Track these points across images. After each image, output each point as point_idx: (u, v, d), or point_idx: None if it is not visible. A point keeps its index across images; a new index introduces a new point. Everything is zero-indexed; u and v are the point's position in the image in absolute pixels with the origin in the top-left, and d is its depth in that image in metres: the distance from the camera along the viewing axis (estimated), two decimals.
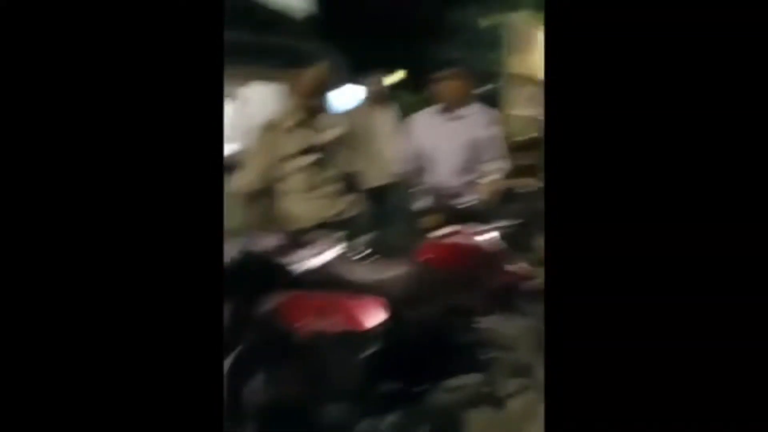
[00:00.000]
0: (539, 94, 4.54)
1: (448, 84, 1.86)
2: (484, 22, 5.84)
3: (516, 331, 1.55)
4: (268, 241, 1.26)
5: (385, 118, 2.79)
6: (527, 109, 4.31)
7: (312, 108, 1.48)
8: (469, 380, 1.43)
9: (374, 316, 1.05)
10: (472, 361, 1.42)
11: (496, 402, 1.53)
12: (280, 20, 4.72)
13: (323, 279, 1.14)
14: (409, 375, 1.32)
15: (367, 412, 1.35)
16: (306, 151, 1.46)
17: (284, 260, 1.15)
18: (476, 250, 1.42)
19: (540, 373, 1.57)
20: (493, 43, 6.11)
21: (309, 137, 1.48)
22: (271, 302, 0.98)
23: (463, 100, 1.89)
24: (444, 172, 1.82)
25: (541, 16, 4.96)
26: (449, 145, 1.85)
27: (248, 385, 1.12)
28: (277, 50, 4.44)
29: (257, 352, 1.06)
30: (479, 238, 1.45)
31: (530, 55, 4.39)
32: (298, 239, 1.29)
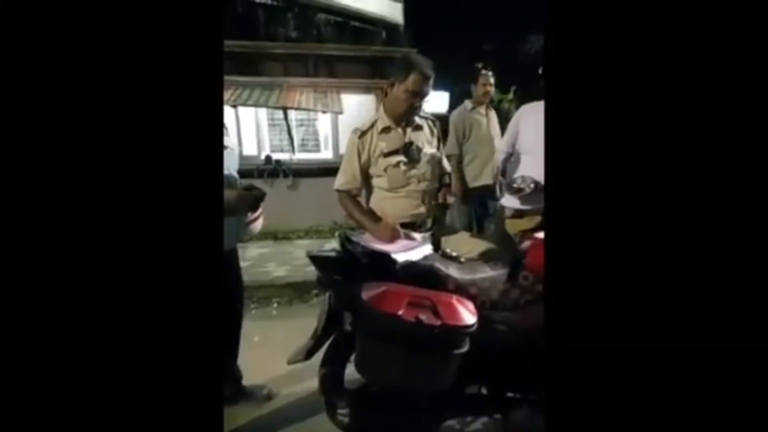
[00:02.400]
0: None
1: None
2: None
3: None
4: (364, 235, 1.35)
5: (486, 119, 2.70)
6: None
7: (404, 112, 1.52)
8: None
9: (471, 315, 1.04)
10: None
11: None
12: (370, 32, 4.94)
13: (420, 273, 1.17)
14: (497, 381, 1.27)
15: (452, 413, 1.35)
16: (396, 152, 1.51)
17: (382, 251, 1.21)
18: None
19: None
20: None
21: (400, 139, 1.53)
22: (370, 291, 1.04)
23: None
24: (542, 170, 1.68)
25: None
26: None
27: (347, 369, 1.22)
28: (368, 61, 4.68)
29: (358, 336, 1.14)
30: None
31: None
32: (393, 234, 1.35)
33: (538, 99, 1.93)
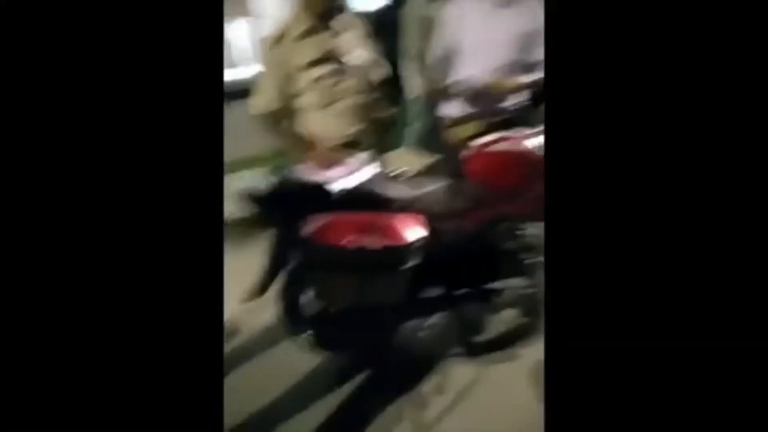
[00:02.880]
0: None
1: None
2: None
3: None
4: (301, 165, 1.25)
5: (413, 13, 2.43)
6: None
7: (324, 10, 1.30)
8: (511, 284, 1.47)
9: (414, 231, 1.05)
10: (515, 266, 1.44)
11: (535, 302, 1.59)
12: None
13: (361, 199, 1.13)
14: (450, 282, 1.37)
15: (409, 316, 1.47)
16: (321, 61, 1.30)
17: (320, 183, 1.14)
18: (523, 158, 1.32)
19: None
20: None
21: (323, 44, 1.31)
22: (313, 224, 1.00)
23: None
24: (486, 70, 1.55)
25: None
26: (495, 38, 1.55)
27: (302, 297, 1.23)
28: None
29: (306, 269, 1.13)
30: (526, 145, 1.34)
31: None
32: (330, 160, 1.26)
33: None
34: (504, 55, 1.57)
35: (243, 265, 1.41)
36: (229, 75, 4.12)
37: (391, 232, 1.01)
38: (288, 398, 1.32)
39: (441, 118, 1.81)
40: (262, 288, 1.25)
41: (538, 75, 1.58)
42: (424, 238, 1.05)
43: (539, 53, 1.58)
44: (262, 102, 1.35)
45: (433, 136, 1.93)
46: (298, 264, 1.17)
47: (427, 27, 2.26)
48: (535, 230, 1.46)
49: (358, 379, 1.37)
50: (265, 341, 1.56)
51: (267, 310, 1.39)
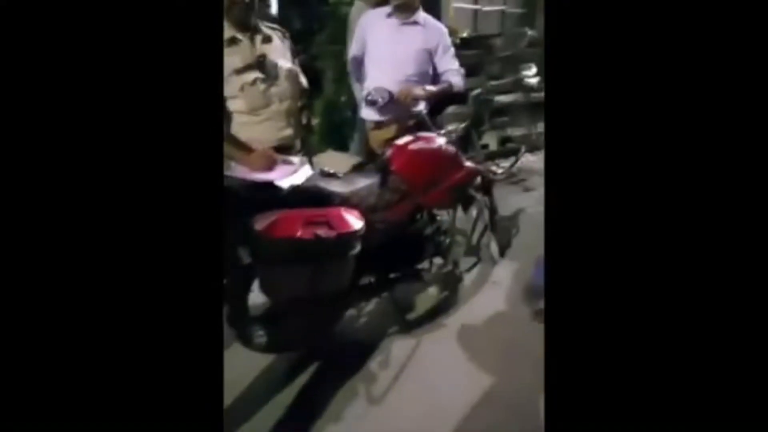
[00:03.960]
0: None
1: None
2: None
3: (469, 218, 1.82)
4: (240, 168, 1.30)
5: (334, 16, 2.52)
6: (463, 2, 4.14)
7: (245, 20, 1.36)
8: (433, 263, 1.71)
9: (356, 221, 1.19)
10: (435, 248, 1.68)
11: (456, 278, 1.87)
12: None
13: (303, 196, 1.23)
14: (383, 267, 1.54)
15: (351, 303, 1.60)
16: (246, 68, 1.36)
17: (262, 181, 1.21)
18: (438, 154, 1.57)
19: (490, 249, 1.91)
20: None
21: (248, 52, 1.38)
22: (263, 221, 1.07)
23: (415, 3, 1.78)
24: (394, 80, 1.78)
25: None
26: (403, 51, 1.79)
27: (249, 295, 1.27)
28: None
29: (254, 266, 1.18)
30: (440, 141, 1.59)
31: None
32: (266, 162, 1.32)
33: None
34: (410, 68, 1.81)
35: None
36: None
37: (338, 222, 1.13)
38: (243, 401, 1.34)
39: (362, 121, 1.99)
40: None
41: (440, 86, 1.86)
42: (363, 228, 1.19)
43: (440, 66, 1.85)
44: None
45: (357, 137, 2.11)
46: (246, 262, 1.21)
47: (342, 31, 2.42)
48: (447, 216, 1.73)
49: (311, 369, 1.45)
50: None
51: None
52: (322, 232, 1.08)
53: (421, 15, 1.82)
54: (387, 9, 1.81)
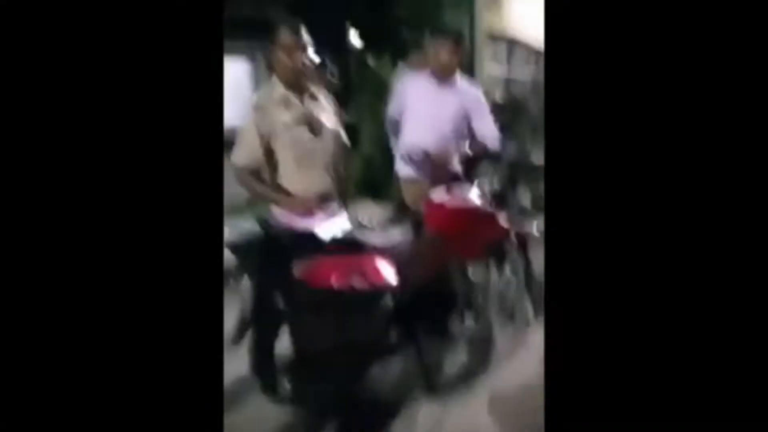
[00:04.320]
0: (506, 51, 4.61)
1: (441, 50, 1.83)
2: None
3: (505, 275, 1.78)
4: (282, 214, 1.36)
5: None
6: (497, 67, 4.39)
7: (297, 81, 1.50)
8: (465, 323, 1.65)
9: (391, 273, 1.19)
10: (467, 305, 1.63)
11: (488, 339, 1.78)
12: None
13: (340, 244, 1.26)
14: (414, 322, 1.50)
15: (377, 359, 1.55)
16: (293, 125, 1.49)
17: (300, 229, 1.25)
18: (473, 211, 1.59)
19: (525, 309, 1.83)
20: (458, 2, 6.01)
21: (298, 109, 1.51)
22: (301, 269, 1.10)
23: (454, 69, 1.89)
24: (432, 138, 1.86)
25: None
26: (441, 112, 1.88)
27: (277, 343, 1.27)
28: (239, 23, 4.19)
29: (286, 313, 1.19)
30: (474, 199, 1.61)
31: (498, 12, 4.40)
32: (305, 209, 1.39)
33: (408, 62, 2.08)
34: (446, 128, 1.90)
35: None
36: None
37: (373, 272, 1.14)
38: None
39: (397, 176, 2.06)
40: (237, 338, 1.26)
41: (475, 146, 1.93)
42: (397, 282, 1.20)
43: (476, 127, 1.94)
44: (243, 155, 1.47)
45: (392, 192, 2.18)
46: (277, 309, 1.22)
47: (382, 91, 2.60)
48: (480, 271, 1.69)
49: (331, 427, 1.38)
50: (235, 393, 1.52)
51: (240, 361, 1.38)
52: (357, 282, 1.09)
53: (458, 79, 1.94)
54: (426, 73, 1.95)
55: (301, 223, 1.29)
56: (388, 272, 1.19)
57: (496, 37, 4.34)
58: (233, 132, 1.51)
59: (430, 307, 1.51)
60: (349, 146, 1.73)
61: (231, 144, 1.50)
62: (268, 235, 1.22)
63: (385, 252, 1.34)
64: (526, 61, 4.75)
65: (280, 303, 1.18)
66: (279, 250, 1.18)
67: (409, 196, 1.99)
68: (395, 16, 6.61)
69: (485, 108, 1.94)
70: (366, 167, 3.22)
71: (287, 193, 1.48)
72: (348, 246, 1.26)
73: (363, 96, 3.68)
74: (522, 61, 4.69)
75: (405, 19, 6.47)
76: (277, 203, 1.43)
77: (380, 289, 1.14)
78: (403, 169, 2.00)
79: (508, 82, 4.63)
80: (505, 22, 4.34)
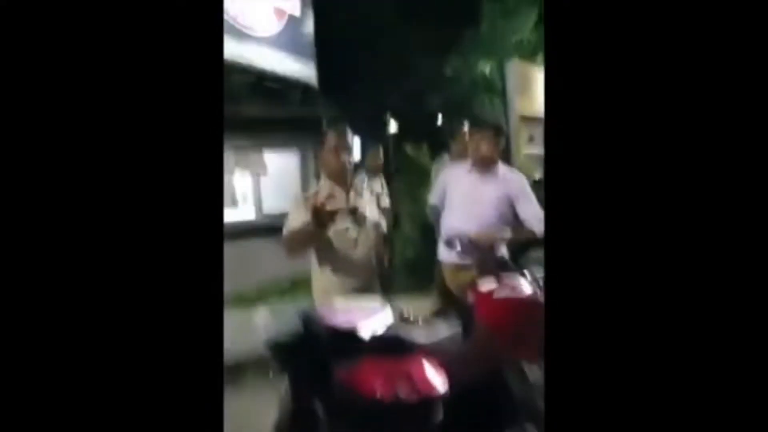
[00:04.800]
0: (540, 130, 4.72)
1: (482, 143, 1.88)
2: (481, 68, 6.20)
3: None
4: (324, 308, 1.33)
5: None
6: (533, 148, 4.47)
7: (338, 173, 1.58)
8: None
9: (441, 380, 1.08)
10: (527, 412, 1.41)
11: None
12: (285, 93, 5.08)
13: (384, 344, 1.18)
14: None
15: None
16: (342, 214, 1.54)
17: (343, 328, 1.20)
18: (526, 302, 1.46)
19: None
20: (492, 87, 6.45)
21: (340, 204, 1.57)
22: (343, 372, 1.02)
23: (495, 159, 1.92)
24: (476, 224, 1.84)
25: (538, 57, 5.27)
26: (484, 200, 1.88)
27: None
28: (284, 120, 4.77)
29: (326, 421, 1.09)
30: (525, 288, 1.49)
31: (529, 95, 4.63)
32: (348, 307, 1.35)
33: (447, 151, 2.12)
34: (490, 214, 1.88)
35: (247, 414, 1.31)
36: (230, 215, 4.49)
37: (421, 379, 1.03)
38: None
39: (440, 264, 2.00)
40: None
41: (520, 231, 1.86)
42: (448, 391, 1.07)
43: (521, 212, 1.89)
44: (295, 219, 1.52)
45: (436, 280, 2.11)
46: (317, 417, 1.12)
47: (422, 177, 2.69)
48: (537, 374, 1.49)
49: None
50: None
51: None
52: (403, 392, 0.99)
53: (500, 168, 1.96)
54: (467, 165, 1.99)
55: (342, 319, 1.25)
56: (436, 379, 1.08)
57: (528, 119, 4.50)
58: (281, 217, 1.59)
59: (486, 414, 1.33)
60: (389, 237, 1.76)
61: (279, 229, 1.58)
62: (308, 332, 1.17)
63: (432, 352, 1.23)
64: None
65: (320, 410, 1.08)
66: (319, 350, 1.13)
67: (453, 283, 1.91)
68: (430, 105, 7.19)
69: (529, 193, 1.92)
70: (407, 250, 3.20)
71: (324, 290, 1.49)
72: (391, 345, 1.18)
73: (402, 183, 3.83)
74: None
75: (440, 107, 7.01)
76: (312, 238, 1.45)
77: (429, 398, 1.02)
78: (445, 255, 1.96)
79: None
80: (536, 104, 4.52)
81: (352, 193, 1.65)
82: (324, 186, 1.62)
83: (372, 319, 1.26)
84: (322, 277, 1.61)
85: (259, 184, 4.65)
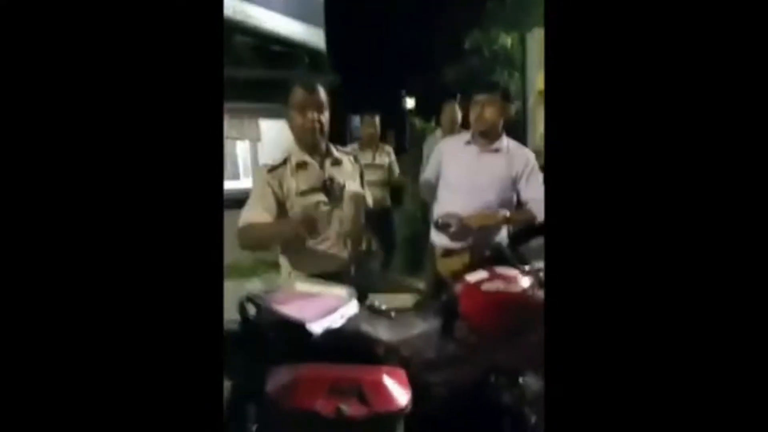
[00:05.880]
0: None
1: (486, 108, 1.60)
2: (502, 41, 5.77)
3: None
4: (278, 298, 1.12)
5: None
6: None
7: (309, 139, 1.35)
8: None
9: (403, 393, 0.87)
10: (516, 425, 1.21)
11: None
12: (288, 56, 4.81)
13: (341, 341, 0.98)
14: None
15: None
16: (312, 191, 1.34)
17: (298, 323, 0.98)
18: (521, 298, 1.23)
19: None
20: (511, 61, 6.04)
21: (312, 177, 1.36)
22: (278, 381, 0.82)
23: (498, 129, 1.65)
24: (472, 206, 1.60)
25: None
26: (483, 179, 1.63)
27: None
28: (286, 85, 4.51)
29: (261, 428, 0.91)
30: (521, 281, 1.26)
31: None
32: (310, 294, 1.14)
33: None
34: (490, 196, 1.62)
35: None
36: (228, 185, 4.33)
37: (374, 392, 0.83)
38: None
39: (432, 246, 1.78)
40: None
41: (519, 214, 1.61)
42: (410, 403, 0.87)
43: (524, 193, 1.63)
44: (253, 216, 1.31)
45: (426, 265, 1.88)
46: (249, 420, 0.94)
47: (417, 157, 2.49)
48: (533, 382, 1.28)
49: None
50: None
51: None
52: (348, 406, 0.79)
53: (505, 141, 1.68)
54: (466, 136, 1.72)
55: (293, 308, 1.03)
56: (396, 390, 0.87)
57: None
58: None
59: (467, 428, 1.13)
60: (375, 213, 1.53)
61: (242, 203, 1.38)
62: (246, 321, 0.97)
63: (399, 351, 1.03)
64: None
65: (251, 416, 0.90)
66: (260, 346, 0.93)
67: (444, 270, 1.68)
68: (445, 80, 6.83)
69: (536, 172, 1.64)
70: (405, 229, 2.99)
71: (289, 274, 1.30)
72: (346, 343, 0.97)
73: (410, 157, 3.60)
74: None
75: (455, 83, 6.64)
76: (276, 237, 1.30)
77: (384, 414, 0.82)
78: (437, 238, 1.72)
79: None
80: None
81: (327, 161, 1.41)
82: (294, 153, 1.39)
83: (331, 310, 1.05)
84: (287, 256, 1.41)
85: (257, 154, 4.45)
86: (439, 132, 2.99)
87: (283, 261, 1.42)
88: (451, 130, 2.86)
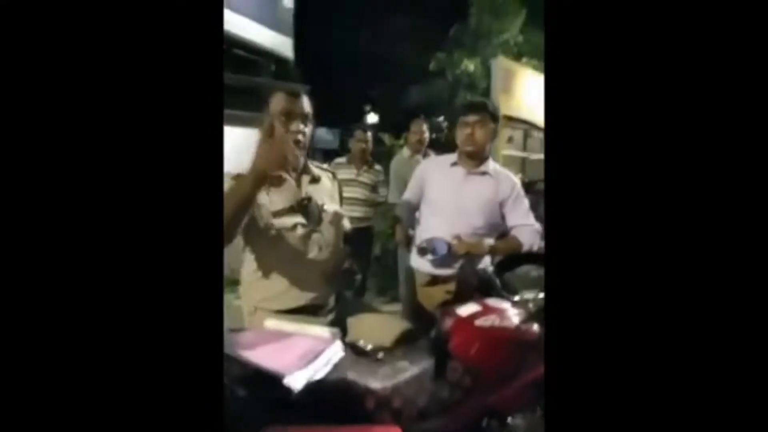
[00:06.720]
0: (522, 135, 4.54)
1: (476, 127, 1.54)
2: (465, 66, 5.96)
3: None
4: (243, 340, 0.94)
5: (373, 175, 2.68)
6: (512, 149, 4.27)
7: (286, 153, 1.20)
8: None
9: None
10: None
11: None
12: (254, 64, 4.60)
13: (326, 395, 0.83)
14: None
15: None
16: (288, 211, 1.17)
17: (275, 375, 0.80)
18: (516, 335, 1.16)
19: None
20: (474, 85, 6.25)
21: (289, 195, 1.19)
22: None
23: (486, 151, 1.61)
24: (458, 230, 1.52)
25: (523, 59, 5.08)
26: (469, 202, 1.57)
27: None
28: (249, 94, 4.31)
29: None
30: (515, 318, 1.19)
31: (513, 96, 4.40)
32: (283, 334, 0.98)
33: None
34: (476, 220, 1.56)
35: None
36: None
37: None
38: None
39: (412, 272, 1.67)
40: None
41: (506, 241, 1.57)
42: None
43: (510, 219, 1.59)
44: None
45: (405, 292, 1.76)
46: None
47: (403, 179, 2.40)
48: (520, 422, 1.21)
49: None
50: None
51: None
52: None
53: (491, 164, 1.64)
54: (452, 157, 1.66)
55: (265, 353, 0.86)
56: None
57: (511, 119, 4.29)
58: None
59: None
60: (352, 236, 1.39)
61: None
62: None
63: (391, 401, 0.90)
64: (542, 143, 4.68)
65: None
66: (233, 404, 0.76)
67: (425, 299, 1.59)
68: (410, 98, 6.91)
69: (522, 198, 1.60)
70: (375, 247, 2.87)
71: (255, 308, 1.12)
72: (337, 397, 0.83)
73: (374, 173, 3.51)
74: (538, 142, 4.62)
75: (421, 101, 6.73)
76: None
77: None
78: (418, 263, 1.63)
79: (524, 162, 4.51)
80: (520, 105, 4.32)
81: (305, 179, 1.27)
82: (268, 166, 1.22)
83: (311, 354, 0.90)
84: (254, 286, 1.22)
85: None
86: (405, 150, 2.95)
87: (246, 293, 1.24)
88: (417, 150, 2.83)
